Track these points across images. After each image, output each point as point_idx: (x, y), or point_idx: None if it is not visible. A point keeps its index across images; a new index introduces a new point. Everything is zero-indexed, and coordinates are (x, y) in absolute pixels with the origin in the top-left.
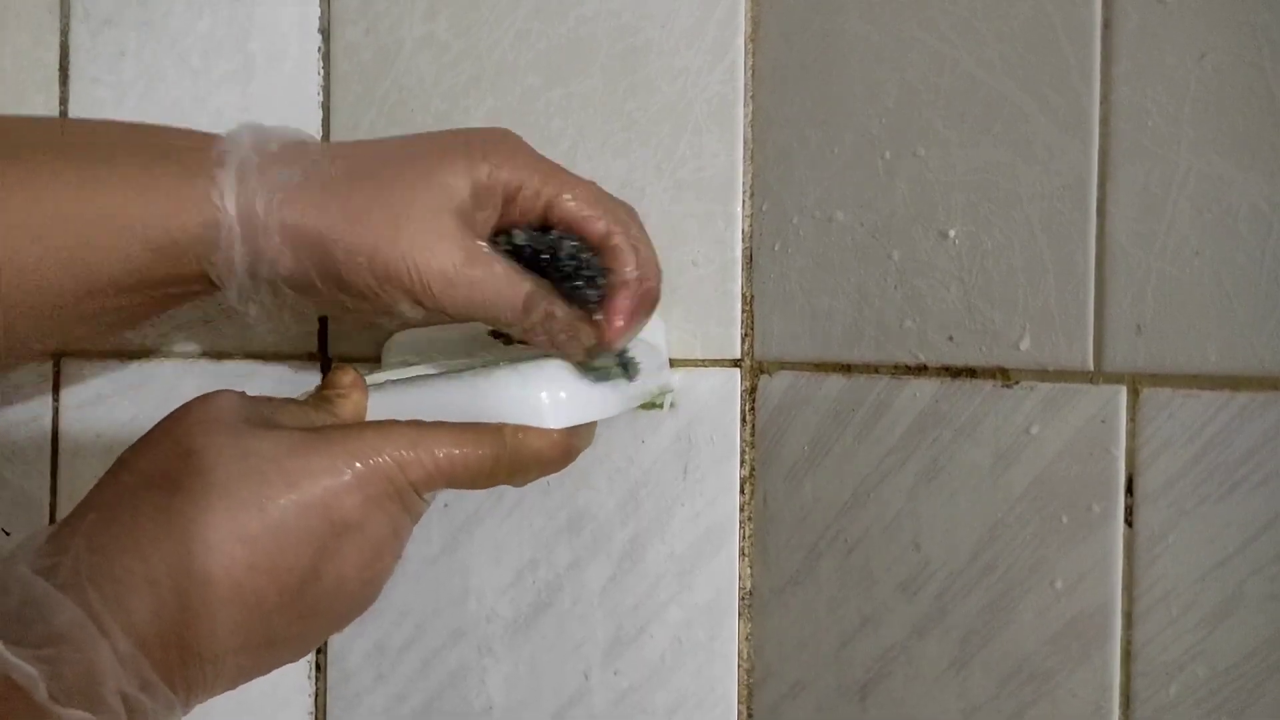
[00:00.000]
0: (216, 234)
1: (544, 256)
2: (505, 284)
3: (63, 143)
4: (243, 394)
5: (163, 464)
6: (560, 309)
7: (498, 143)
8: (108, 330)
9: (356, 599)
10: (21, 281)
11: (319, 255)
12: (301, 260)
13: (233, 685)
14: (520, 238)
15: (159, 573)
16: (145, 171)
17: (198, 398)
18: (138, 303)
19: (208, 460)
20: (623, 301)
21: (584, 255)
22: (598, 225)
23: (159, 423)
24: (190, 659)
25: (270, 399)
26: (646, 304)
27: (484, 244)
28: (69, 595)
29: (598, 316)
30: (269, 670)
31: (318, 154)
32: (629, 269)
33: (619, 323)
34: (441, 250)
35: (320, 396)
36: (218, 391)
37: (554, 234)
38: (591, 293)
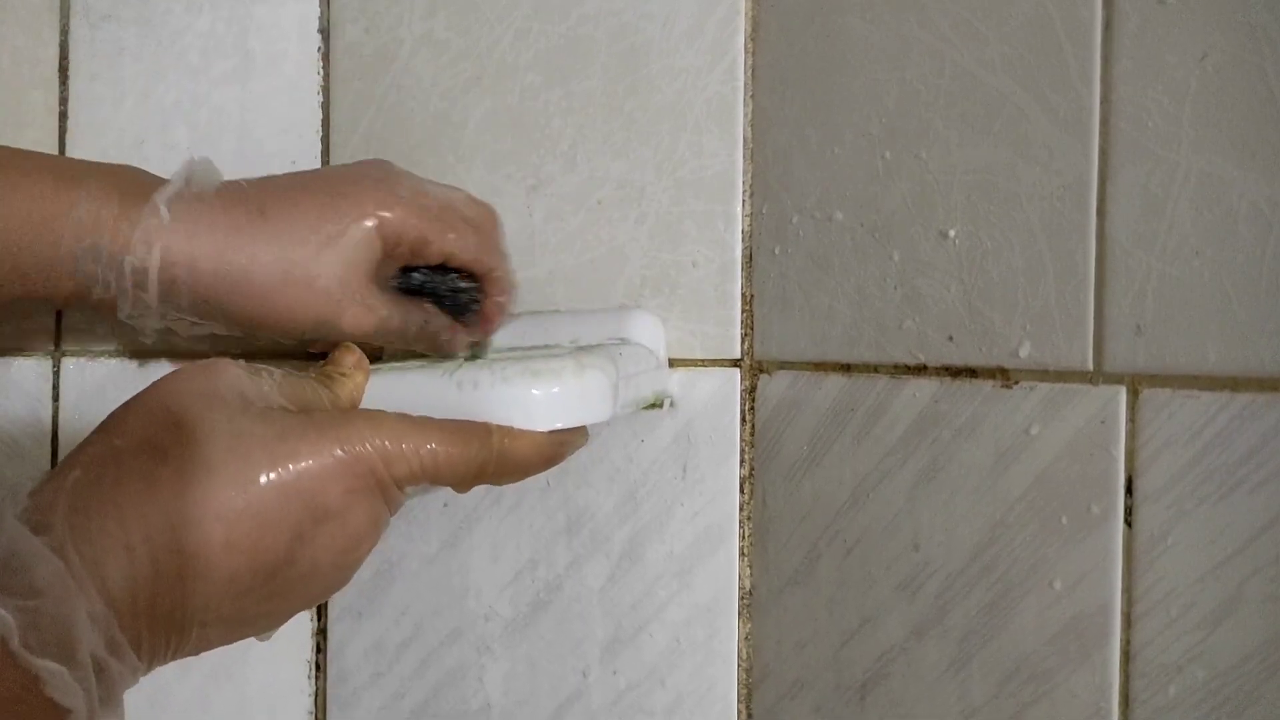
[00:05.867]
0: (98, 254)
1: (443, 291)
2: (397, 316)
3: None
4: (242, 363)
5: (153, 431)
6: (441, 324)
7: (396, 198)
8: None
9: (328, 584)
10: None
11: (220, 288)
12: (200, 291)
13: (195, 653)
14: (418, 280)
15: (136, 539)
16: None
17: (198, 364)
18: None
19: (198, 435)
20: (495, 318)
21: (474, 291)
22: (483, 262)
23: (155, 384)
24: (157, 627)
25: (271, 370)
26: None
27: (380, 282)
28: (53, 551)
29: (470, 324)
30: (233, 642)
31: (226, 194)
32: (504, 296)
33: (490, 334)
34: (349, 292)
35: (323, 373)
36: (217, 361)
37: (451, 276)
38: (473, 315)
